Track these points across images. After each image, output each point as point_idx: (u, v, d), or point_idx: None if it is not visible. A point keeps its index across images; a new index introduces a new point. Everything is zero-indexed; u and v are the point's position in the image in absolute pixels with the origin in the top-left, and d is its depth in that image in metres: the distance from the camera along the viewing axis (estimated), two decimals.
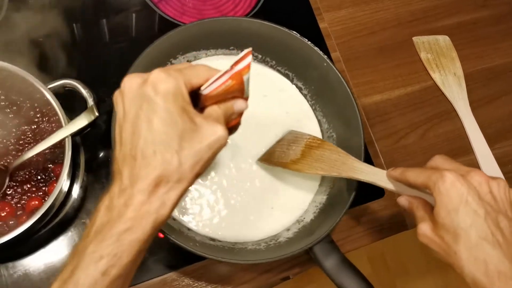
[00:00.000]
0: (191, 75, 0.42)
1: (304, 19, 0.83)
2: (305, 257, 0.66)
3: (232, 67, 0.41)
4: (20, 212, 0.58)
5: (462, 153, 0.80)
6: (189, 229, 0.61)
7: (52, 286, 0.39)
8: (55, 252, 0.61)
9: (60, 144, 0.57)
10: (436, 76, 0.84)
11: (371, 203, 0.72)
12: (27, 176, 0.60)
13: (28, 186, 0.59)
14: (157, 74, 0.40)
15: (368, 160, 0.71)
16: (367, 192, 0.69)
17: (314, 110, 0.71)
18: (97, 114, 0.58)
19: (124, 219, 0.39)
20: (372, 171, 0.58)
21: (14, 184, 0.59)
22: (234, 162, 0.65)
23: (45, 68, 0.66)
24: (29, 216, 0.54)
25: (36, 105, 0.60)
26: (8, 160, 0.60)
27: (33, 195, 0.59)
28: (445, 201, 0.46)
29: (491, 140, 0.80)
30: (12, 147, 0.60)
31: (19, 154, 0.60)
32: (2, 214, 0.57)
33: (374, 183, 0.56)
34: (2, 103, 0.61)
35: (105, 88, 0.67)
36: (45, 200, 0.55)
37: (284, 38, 0.68)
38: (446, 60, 0.85)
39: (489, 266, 0.44)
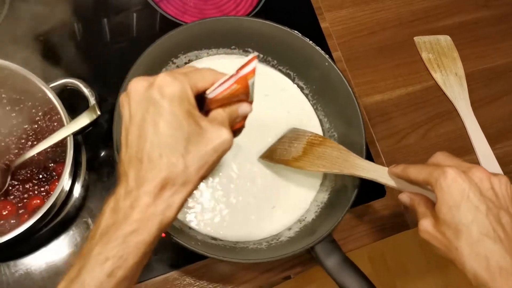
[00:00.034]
0: (197, 78, 0.42)
1: (305, 18, 0.83)
2: (307, 256, 0.66)
3: (237, 71, 0.42)
4: (22, 211, 0.58)
5: (463, 153, 0.80)
6: (190, 228, 0.61)
7: (59, 285, 0.39)
8: (56, 251, 0.61)
9: (62, 143, 0.57)
10: (437, 76, 0.84)
11: (372, 202, 0.72)
12: (28, 175, 0.60)
13: (30, 185, 0.59)
14: (163, 78, 0.40)
15: (369, 160, 0.70)
16: (368, 191, 0.69)
17: (316, 109, 0.71)
18: (99, 113, 0.58)
19: (130, 221, 0.39)
20: (373, 168, 0.58)
21: (16, 183, 0.59)
22: (235, 162, 0.65)
23: (46, 67, 0.66)
24: (30, 215, 0.54)
25: (37, 104, 0.60)
26: (10, 159, 0.60)
27: (35, 193, 0.59)
28: (447, 197, 0.46)
29: (492, 140, 0.81)
30: (13, 145, 0.60)
31: (21, 152, 0.60)
32: (4, 213, 0.57)
33: (375, 180, 0.57)
34: (3, 102, 0.61)
35: (107, 87, 0.68)
36: (46, 199, 0.55)
37: (286, 37, 0.68)
38: (447, 60, 0.85)
39: (491, 261, 0.44)
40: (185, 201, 0.41)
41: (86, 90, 0.60)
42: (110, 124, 0.57)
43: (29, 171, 0.60)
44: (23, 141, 0.61)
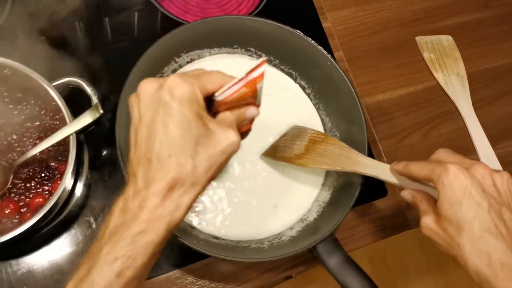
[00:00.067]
0: (206, 81, 0.42)
1: (307, 18, 0.83)
2: (308, 256, 0.66)
3: (247, 75, 0.42)
4: (24, 209, 0.58)
5: (465, 153, 0.80)
6: (192, 227, 0.61)
7: (68, 284, 0.39)
8: (58, 249, 0.61)
9: (65, 142, 0.57)
10: (439, 76, 0.84)
11: (374, 202, 0.72)
12: (31, 174, 0.60)
13: (32, 183, 0.59)
14: (173, 79, 0.40)
15: None
16: (370, 190, 0.69)
17: (318, 109, 0.71)
18: (101, 112, 0.58)
19: (139, 221, 0.39)
20: (375, 165, 0.58)
21: (18, 181, 0.59)
22: (237, 161, 0.65)
23: (49, 65, 0.66)
24: (33, 214, 0.54)
25: (40, 102, 0.60)
26: (13, 157, 0.60)
27: (37, 192, 0.59)
28: (449, 193, 0.46)
29: (494, 140, 0.81)
30: (16, 144, 0.60)
31: (23, 151, 0.60)
32: (6, 211, 0.57)
33: (377, 177, 0.57)
34: (6, 100, 0.61)
35: (109, 86, 0.68)
36: (49, 198, 0.55)
37: (288, 37, 0.68)
38: (449, 60, 0.86)
39: (493, 258, 0.44)
40: (193, 202, 0.41)
41: (88, 89, 0.60)
42: (113, 123, 0.57)
43: (31, 170, 0.60)
44: (26, 139, 0.61)
